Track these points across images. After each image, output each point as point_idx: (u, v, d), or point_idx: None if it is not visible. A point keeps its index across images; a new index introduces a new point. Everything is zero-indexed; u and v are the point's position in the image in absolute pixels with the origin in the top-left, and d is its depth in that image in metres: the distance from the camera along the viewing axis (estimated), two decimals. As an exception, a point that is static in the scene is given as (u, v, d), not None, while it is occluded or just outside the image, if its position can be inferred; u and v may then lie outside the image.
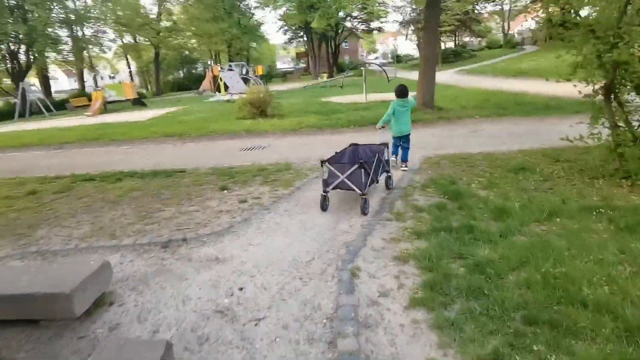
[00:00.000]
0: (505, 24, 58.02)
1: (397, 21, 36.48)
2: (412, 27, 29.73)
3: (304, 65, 61.99)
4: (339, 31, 50.08)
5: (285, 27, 52.24)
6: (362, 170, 4.53)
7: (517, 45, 50.18)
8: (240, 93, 16.96)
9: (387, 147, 5.43)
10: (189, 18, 43.51)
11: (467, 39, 63.00)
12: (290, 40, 57.98)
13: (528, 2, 44.21)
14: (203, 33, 41.52)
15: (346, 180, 4.58)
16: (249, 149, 9.01)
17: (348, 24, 50.96)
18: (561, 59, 5.00)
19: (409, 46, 63.61)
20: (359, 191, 4.57)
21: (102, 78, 63.67)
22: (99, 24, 36.73)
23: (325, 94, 21.28)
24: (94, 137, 12.55)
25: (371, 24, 51.70)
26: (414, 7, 23.13)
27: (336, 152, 5.24)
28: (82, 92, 33.14)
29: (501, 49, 51.11)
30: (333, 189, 4.73)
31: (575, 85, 5.15)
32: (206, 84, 33.64)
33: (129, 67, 51.30)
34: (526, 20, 55.74)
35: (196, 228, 4.45)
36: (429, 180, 5.56)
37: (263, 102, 13.56)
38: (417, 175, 5.91)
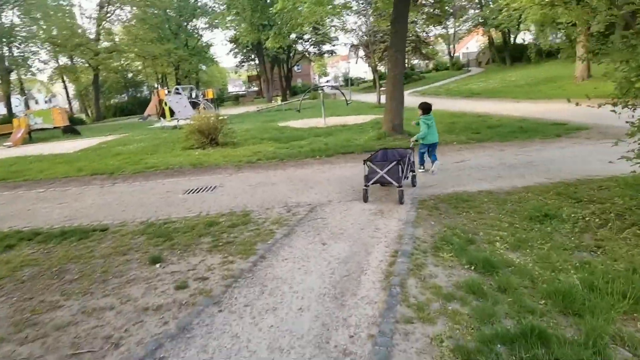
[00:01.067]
0: (451, 47, 60.15)
1: (350, 44, 36.10)
2: (363, 51, 29.30)
3: (256, 88, 60.66)
4: (291, 54, 49.42)
5: (236, 50, 50.83)
6: (399, 166, 5.28)
7: (462, 67, 51.89)
8: (188, 119, 15.21)
9: (413, 151, 6.32)
10: (131, 38, 41.10)
11: (415, 61, 64.62)
12: (241, 63, 56.53)
13: (470, 26, 46.06)
14: (147, 54, 39.23)
15: (385, 175, 5.33)
16: (194, 191, 7.28)
17: (300, 47, 50.45)
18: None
19: (360, 69, 63.99)
20: (396, 184, 5.35)
21: (37, 102, 58.66)
22: (27, 43, 33.50)
23: (282, 118, 19.94)
24: (4, 176, 10.29)
25: (323, 47, 51.56)
26: (373, 26, 22.47)
27: (371, 154, 6.16)
28: (8, 118, 29.61)
29: (448, 71, 52.70)
30: (373, 183, 5.51)
31: (614, 111, 4.10)
32: (151, 108, 31.27)
33: (66, 90, 47.56)
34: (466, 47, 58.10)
35: (103, 351, 2.75)
36: (437, 238, 4.18)
37: (214, 128, 11.93)
38: (418, 228, 4.51)
